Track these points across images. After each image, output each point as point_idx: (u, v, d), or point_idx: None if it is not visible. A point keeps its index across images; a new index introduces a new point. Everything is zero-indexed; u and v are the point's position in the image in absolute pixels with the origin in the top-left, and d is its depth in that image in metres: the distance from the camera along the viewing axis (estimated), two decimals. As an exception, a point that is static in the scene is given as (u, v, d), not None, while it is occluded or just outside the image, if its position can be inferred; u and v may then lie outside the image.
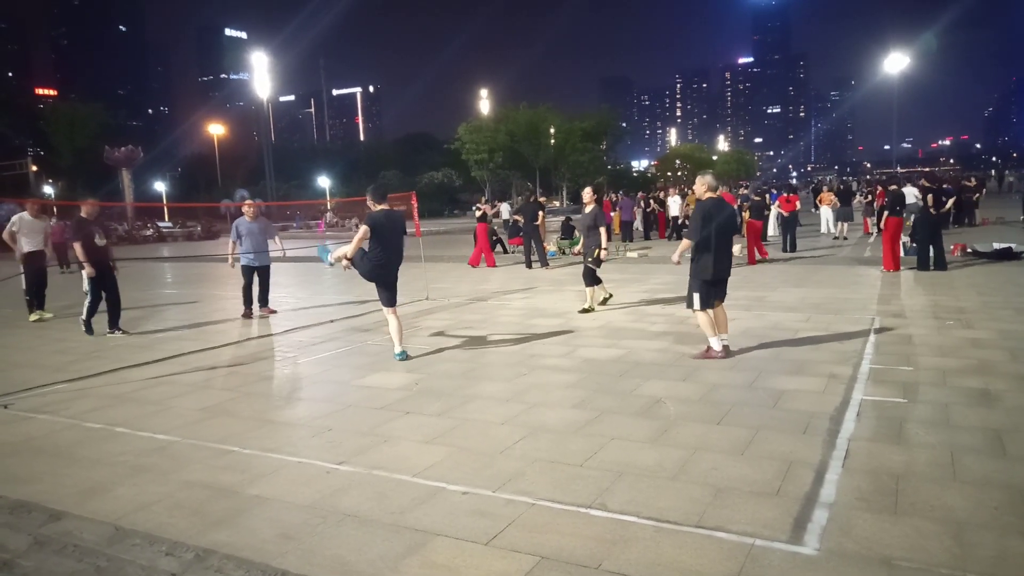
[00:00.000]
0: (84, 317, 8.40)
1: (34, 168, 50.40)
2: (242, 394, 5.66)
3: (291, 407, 5.22)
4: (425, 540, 3.03)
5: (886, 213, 11.98)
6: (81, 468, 4.09)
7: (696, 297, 6.01)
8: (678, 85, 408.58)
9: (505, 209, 26.07)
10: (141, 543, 3.12)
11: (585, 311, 8.70)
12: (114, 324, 8.51)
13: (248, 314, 9.57)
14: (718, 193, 6.24)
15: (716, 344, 6.11)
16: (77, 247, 8.09)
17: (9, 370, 6.76)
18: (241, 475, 3.87)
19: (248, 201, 10.64)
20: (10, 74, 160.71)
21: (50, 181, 52.88)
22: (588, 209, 8.72)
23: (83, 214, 8.38)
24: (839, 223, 18.53)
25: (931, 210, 11.60)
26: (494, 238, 18.50)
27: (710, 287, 6.01)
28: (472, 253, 16.04)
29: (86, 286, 8.37)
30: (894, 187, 12.71)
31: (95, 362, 6.98)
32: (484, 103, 58.48)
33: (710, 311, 6.08)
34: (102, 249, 8.32)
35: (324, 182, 62.43)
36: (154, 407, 5.31)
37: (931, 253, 11.55)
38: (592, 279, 8.77)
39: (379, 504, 3.42)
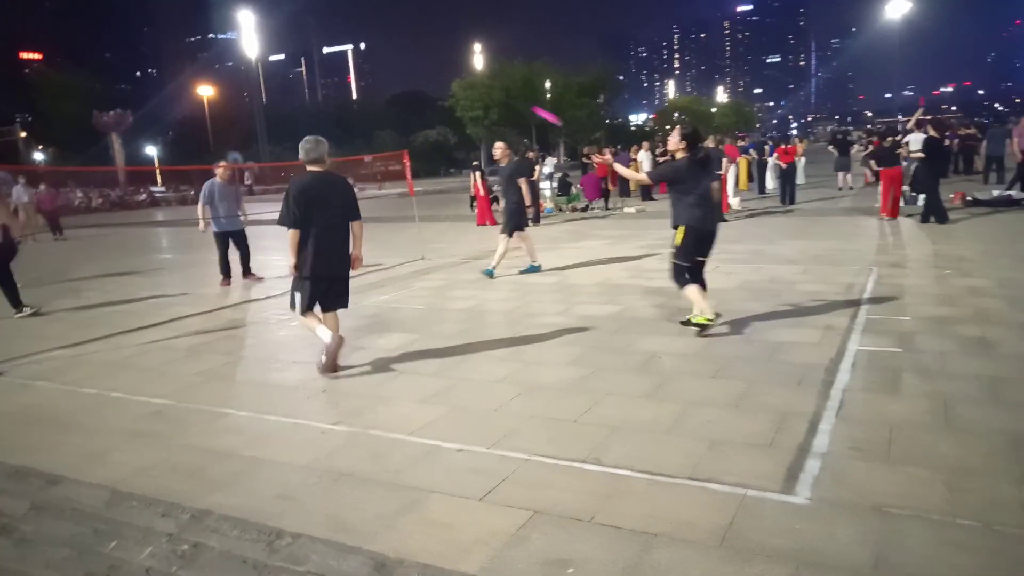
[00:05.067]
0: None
1: (23, 134, 49.69)
2: (238, 357, 5.66)
3: (287, 369, 5.21)
4: (421, 497, 3.04)
5: (872, 162, 12.14)
6: (79, 434, 4.10)
7: (296, 296, 4.86)
8: (676, 36, 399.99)
9: (551, 163, 20.51)
10: (139, 506, 3.14)
11: (700, 325, 5.29)
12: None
13: (227, 283, 9.20)
14: (328, 164, 4.84)
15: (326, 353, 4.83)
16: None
17: (1, 340, 6.74)
18: (238, 437, 3.89)
19: (222, 163, 10.19)
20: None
21: (40, 148, 52.21)
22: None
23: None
24: (839, 173, 18.37)
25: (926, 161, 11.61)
26: (492, 195, 18.33)
27: (315, 285, 4.80)
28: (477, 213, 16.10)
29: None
30: (891, 138, 12.66)
31: (88, 330, 6.96)
32: (478, 58, 57.30)
33: (313, 317, 4.89)
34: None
35: (318, 143, 61.55)
36: (150, 372, 5.32)
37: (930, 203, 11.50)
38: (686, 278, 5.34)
39: (375, 463, 3.43)
